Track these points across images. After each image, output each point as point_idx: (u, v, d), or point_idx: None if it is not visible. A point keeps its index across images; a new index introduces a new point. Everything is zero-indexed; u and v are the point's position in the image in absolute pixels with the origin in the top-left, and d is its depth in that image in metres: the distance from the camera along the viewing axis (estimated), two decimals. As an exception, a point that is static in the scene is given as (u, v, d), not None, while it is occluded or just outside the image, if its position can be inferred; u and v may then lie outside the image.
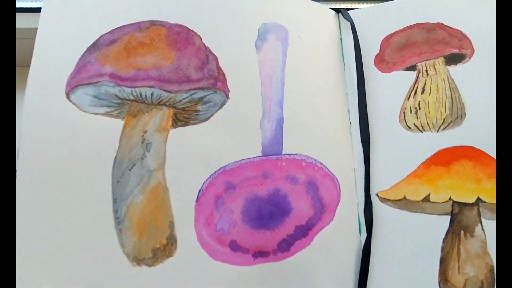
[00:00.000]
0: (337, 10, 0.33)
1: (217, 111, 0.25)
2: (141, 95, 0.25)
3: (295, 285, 0.23)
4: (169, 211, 0.23)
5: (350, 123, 0.29)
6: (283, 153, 0.25)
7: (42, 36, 0.24)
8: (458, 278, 0.23)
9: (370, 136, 0.28)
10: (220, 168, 0.24)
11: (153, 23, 0.26)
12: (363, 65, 0.30)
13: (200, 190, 0.23)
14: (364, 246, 0.25)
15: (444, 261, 0.23)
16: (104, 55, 0.25)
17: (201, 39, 0.26)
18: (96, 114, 0.24)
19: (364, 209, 0.26)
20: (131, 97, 0.24)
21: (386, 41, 0.31)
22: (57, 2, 0.25)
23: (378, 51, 0.30)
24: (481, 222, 0.24)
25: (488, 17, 0.28)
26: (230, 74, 0.25)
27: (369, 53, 0.31)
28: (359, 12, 0.32)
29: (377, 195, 0.26)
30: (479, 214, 0.24)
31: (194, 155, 0.24)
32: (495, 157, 0.24)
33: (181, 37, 0.26)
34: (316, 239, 0.24)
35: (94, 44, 0.25)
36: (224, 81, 0.26)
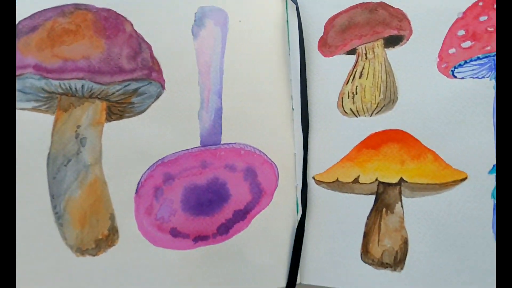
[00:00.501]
0: None
1: (153, 102, 0.25)
2: (70, 88, 0.24)
3: (234, 264, 0.26)
4: (109, 204, 0.24)
5: (293, 109, 0.30)
6: (222, 142, 0.26)
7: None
8: (377, 249, 0.26)
9: (310, 122, 0.29)
10: (158, 160, 0.25)
11: (77, 7, 0.24)
12: (308, 49, 0.30)
13: (139, 183, 0.24)
14: (298, 225, 0.27)
15: (366, 235, 0.26)
16: (25, 44, 0.23)
17: (132, 25, 0.25)
18: (23, 109, 0.23)
19: (301, 191, 0.28)
20: (60, 90, 0.24)
21: (330, 23, 0.30)
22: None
23: (322, 34, 0.30)
24: (401, 200, 0.26)
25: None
26: (165, 63, 0.25)
27: (314, 36, 0.30)
28: None
29: (313, 178, 0.28)
30: (400, 193, 0.26)
31: (131, 148, 0.24)
32: (420, 139, 0.26)
33: (110, 23, 0.24)
34: (253, 221, 0.26)
35: (13, 32, 0.23)
36: (159, 71, 0.25)
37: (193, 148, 0.25)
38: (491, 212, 0.24)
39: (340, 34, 0.30)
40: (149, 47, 0.25)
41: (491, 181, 0.24)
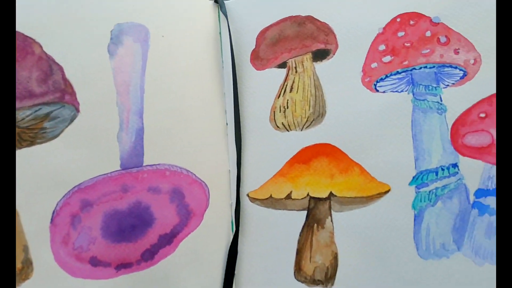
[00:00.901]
0: (219, 1, 0.32)
1: (66, 127, 0.24)
2: (-26, 115, 0.23)
3: (161, 290, 0.25)
4: (22, 235, 0.23)
5: (227, 124, 0.30)
6: (144, 164, 0.26)
7: None
8: (309, 266, 0.26)
9: (243, 137, 0.29)
10: (74, 187, 0.24)
11: (-20, 29, 0.23)
12: (241, 62, 0.30)
13: (54, 211, 0.23)
14: (231, 245, 0.27)
15: (299, 252, 0.26)
16: None
17: (41, 47, 0.24)
18: None
19: (235, 209, 0.28)
20: (-37, 118, 0.23)
21: (261, 36, 0.30)
22: None
23: (254, 47, 0.30)
24: (331, 215, 0.27)
25: (355, 10, 0.29)
26: (79, 85, 0.24)
27: (246, 48, 0.31)
28: (237, 2, 0.31)
29: (247, 195, 0.28)
30: (330, 208, 0.27)
31: (45, 175, 0.23)
32: (347, 152, 0.27)
33: (17, 46, 0.23)
34: (181, 245, 0.26)
35: None
36: (73, 93, 0.24)
37: (113, 172, 0.25)
38: (412, 223, 0.25)
39: (271, 47, 0.30)
40: (60, 68, 0.24)
41: (411, 193, 0.25)
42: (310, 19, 0.29)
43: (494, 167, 0.24)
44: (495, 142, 0.24)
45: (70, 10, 0.24)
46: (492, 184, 0.24)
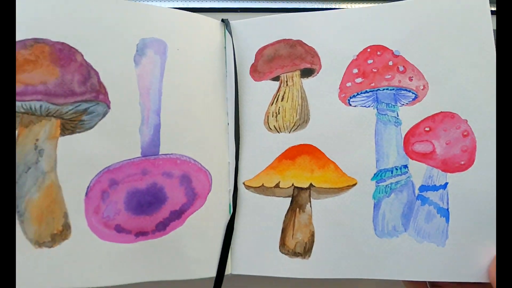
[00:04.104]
0: (225, 21, 0.40)
1: (100, 120, 0.33)
2: (31, 108, 0.31)
3: (170, 257, 0.34)
4: (63, 205, 0.31)
5: (228, 124, 0.38)
6: (160, 153, 0.34)
7: None
8: (291, 241, 0.35)
9: (241, 136, 0.38)
10: (104, 168, 0.32)
11: (36, 41, 0.32)
12: (241, 74, 0.40)
13: (88, 187, 0.32)
14: (228, 223, 0.36)
15: (283, 231, 0.36)
16: (-10, 70, 0.30)
17: (82, 56, 0.32)
18: (-13, 125, 0.29)
19: (232, 194, 0.36)
20: (22, 110, 0.31)
21: (260, 53, 0.39)
22: None
23: (253, 61, 0.39)
24: (310, 201, 0.36)
25: (335, 39, 0.38)
26: (110, 87, 0.33)
27: (246, 62, 0.40)
28: (240, 23, 0.41)
29: (243, 183, 0.37)
30: (309, 196, 0.36)
31: (82, 158, 0.32)
32: (325, 152, 0.36)
33: (64, 54, 0.32)
34: (188, 220, 0.35)
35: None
36: (105, 94, 0.33)
37: (135, 158, 0.33)
38: (372, 210, 0.34)
39: (267, 63, 0.39)
40: (96, 73, 0.33)
41: (372, 186, 0.35)
42: (300, 43, 0.39)
43: (434, 169, 0.34)
44: (435, 149, 0.34)
45: (106, 27, 0.34)
46: (431, 182, 0.34)
